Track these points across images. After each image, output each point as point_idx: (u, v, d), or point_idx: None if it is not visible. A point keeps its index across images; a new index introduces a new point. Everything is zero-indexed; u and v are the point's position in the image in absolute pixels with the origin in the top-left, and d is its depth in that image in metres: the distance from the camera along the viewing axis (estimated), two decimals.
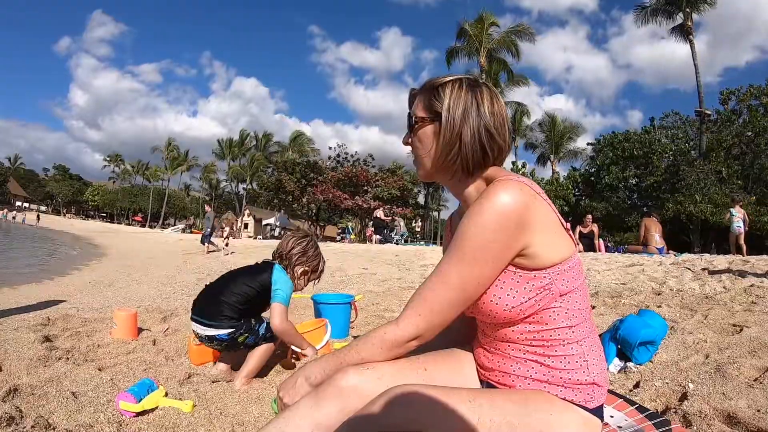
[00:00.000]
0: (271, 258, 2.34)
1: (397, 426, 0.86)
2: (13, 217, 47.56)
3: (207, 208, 15.97)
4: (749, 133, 22.39)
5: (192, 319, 2.12)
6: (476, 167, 1.07)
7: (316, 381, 1.09)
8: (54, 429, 1.54)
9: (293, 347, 2.32)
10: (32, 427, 1.51)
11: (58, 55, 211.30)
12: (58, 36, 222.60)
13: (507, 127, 1.09)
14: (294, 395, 1.10)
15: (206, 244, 14.43)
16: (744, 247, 11.11)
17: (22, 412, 1.64)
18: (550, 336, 1.03)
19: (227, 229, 15.77)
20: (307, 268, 2.31)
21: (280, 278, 2.17)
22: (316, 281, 2.43)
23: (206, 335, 2.09)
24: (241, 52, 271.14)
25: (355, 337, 3.03)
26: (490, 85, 1.10)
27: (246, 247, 16.05)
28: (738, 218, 11.57)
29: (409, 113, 1.13)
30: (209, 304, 2.09)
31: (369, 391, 0.98)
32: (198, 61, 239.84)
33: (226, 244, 14.41)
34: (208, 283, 2.25)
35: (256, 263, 2.32)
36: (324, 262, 2.42)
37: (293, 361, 2.49)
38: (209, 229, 14.68)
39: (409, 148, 1.15)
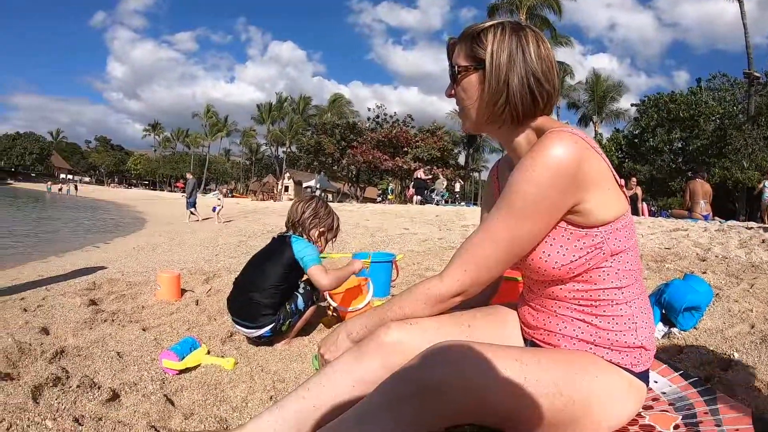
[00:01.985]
0: (284, 230, 2.33)
1: (441, 383, 0.84)
2: (59, 190, 49.49)
3: (188, 175, 15.70)
4: None
5: (233, 321, 2.16)
6: (526, 115, 1.02)
7: (357, 337, 1.09)
8: (99, 388, 1.56)
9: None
10: (78, 386, 1.53)
11: (93, 30, 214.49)
12: (92, 11, 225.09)
13: (555, 71, 1.02)
14: (335, 351, 1.10)
15: (188, 211, 14.13)
16: None
17: (68, 373, 1.66)
18: (599, 296, 0.99)
19: (221, 197, 15.52)
20: (322, 229, 2.30)
21: (301, 246, 2.17)
22: (333, 240, 2.42)
23: (252, 337, 2.13)
24: (275, 15, 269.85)
25: None
26: (534, 28, 1.04)
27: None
28: None
29: (450, 63, 1.07)
30: (245, 306, 2.11)
31: (411, 346, 0.97)
32: (233, 27, 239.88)
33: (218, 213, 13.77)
34: (236, 280, 2.24)
35: (273, 239, 2.31)
36: (338, 218, 2.40)
37: (333, 316, 2.52)
38: (189, 196, 14.27)
39: (449, 108, 1.10)
